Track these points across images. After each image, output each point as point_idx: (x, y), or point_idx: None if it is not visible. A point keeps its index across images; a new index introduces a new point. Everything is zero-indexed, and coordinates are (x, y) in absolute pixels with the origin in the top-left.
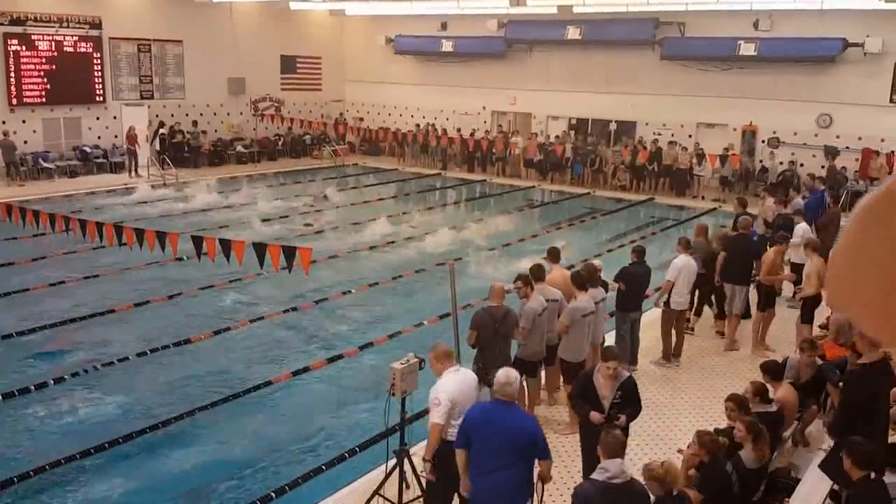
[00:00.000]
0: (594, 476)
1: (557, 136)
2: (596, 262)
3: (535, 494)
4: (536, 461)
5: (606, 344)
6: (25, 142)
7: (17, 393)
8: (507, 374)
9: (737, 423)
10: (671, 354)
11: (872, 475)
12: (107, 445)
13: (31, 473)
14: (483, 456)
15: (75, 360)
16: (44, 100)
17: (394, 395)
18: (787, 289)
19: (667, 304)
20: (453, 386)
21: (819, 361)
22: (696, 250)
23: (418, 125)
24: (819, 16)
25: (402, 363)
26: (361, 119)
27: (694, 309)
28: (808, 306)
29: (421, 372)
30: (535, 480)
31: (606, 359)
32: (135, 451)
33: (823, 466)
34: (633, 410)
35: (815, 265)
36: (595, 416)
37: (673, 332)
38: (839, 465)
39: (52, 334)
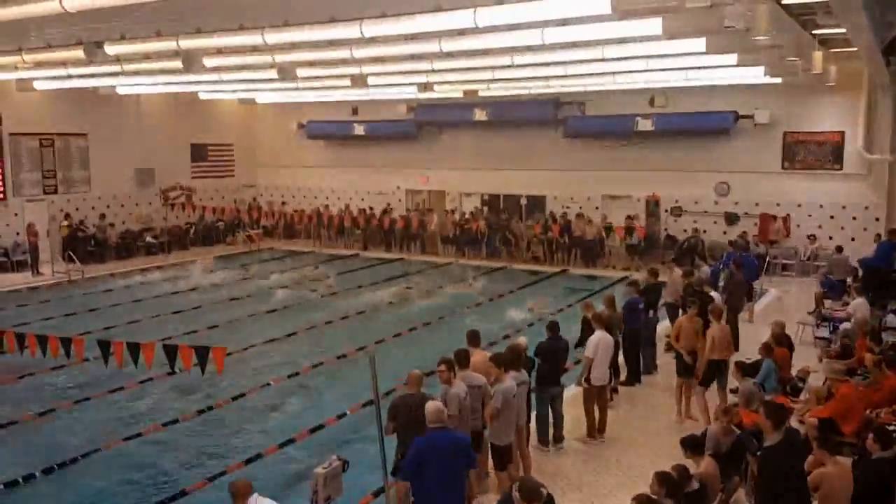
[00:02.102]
0: None
1: (472, 213)
2: (521, 339)
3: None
4: None
5: (527, 482)
6: None
7: None
8: (436, 405)
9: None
10: (596, 431)
11: None
12: None
13: None
14: (440, 476)
15: None
16: None
17: (317, 503)
18: None
19: (587, 380)
20: None
21: (736, 430)
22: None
23: (327, 206)
24: (710, 91)
25: (324, 467)
26: (284, 203)
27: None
28: (710, 370)
29: (345, 474)
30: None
31: (528, 499)
32: None
33: None
34: None
35: (714, 331)
36: None
37: (596, 408)
38: None
39: None
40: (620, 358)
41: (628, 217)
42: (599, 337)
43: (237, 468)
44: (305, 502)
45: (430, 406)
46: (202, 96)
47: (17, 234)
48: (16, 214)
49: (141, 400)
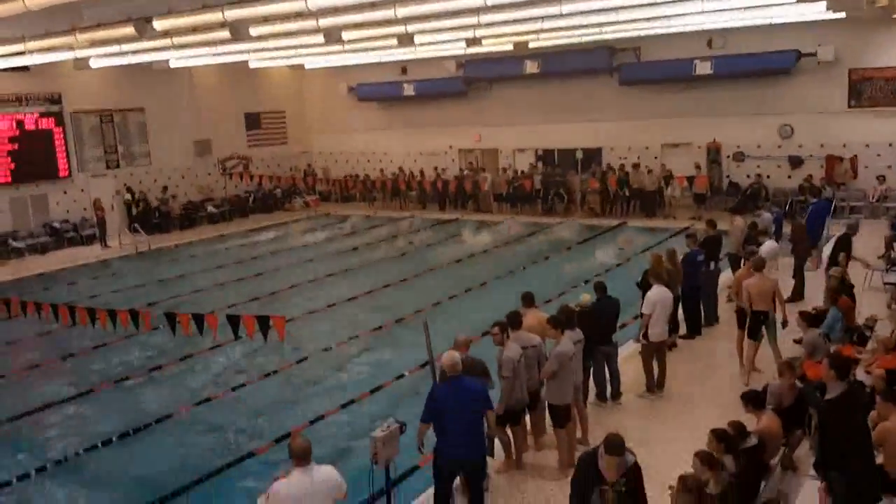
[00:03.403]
0: None
1: (524, 172)
2: (585, 296)
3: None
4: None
5: (614, 438)
6: None
7: None
8: (451, 356)
9: (693, 460)
10: (654, 386)
11: None
12: None
13: None
14: (457, 421)
15: (56, 446)
16: (9, 179)
17: (376, 464)
18: None
19: (645, 336)
20: (292, 490)
21: (799, 384)
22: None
23: (382, 170)
24: (770, 30)
25: (382, 431)
26: (333, 172)
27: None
28: (754, 323)
29: (402, 436)
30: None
31: (609, 452)
32: None
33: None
34: None
35: (751, 282)
36: None
37: (655, 363)
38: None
39: (31, 421)
40: (680, 312)
41: (697, 166)
42: (657, 293)
43: (302, 428)
44: (366, 461)
45: (446, 356)
46: (252, 65)
47: (84, 209)
48: (82, 190)
49: (210, 366)
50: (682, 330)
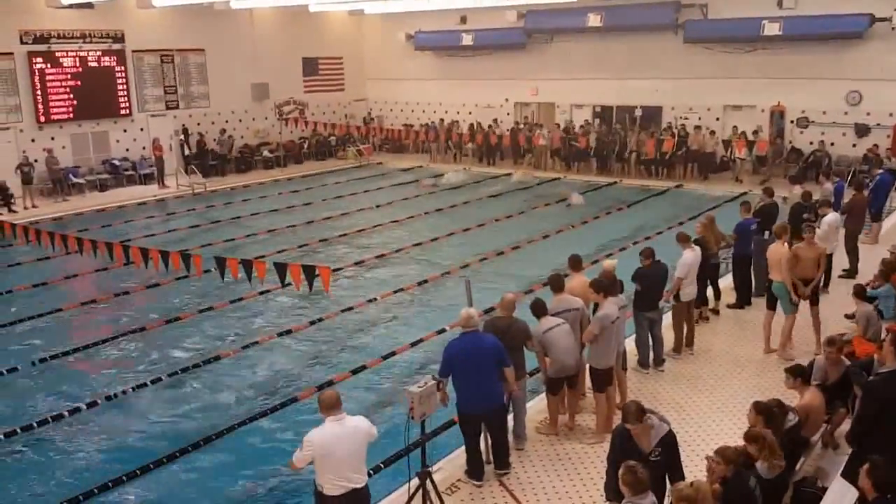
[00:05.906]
0: None
1: (582, 127)
2: (608, 262)
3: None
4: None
5: (630, 405)
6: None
7: (50, 420)
8: (467, 311)
9: (749, 446)
10: (683, 346)
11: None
12: (151, 466)
13: (81, 498)
14: (471, 373)
15: (107, 382)
16: (71, 116)
17: (413, 419)
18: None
19: (676, 297)
20: (326, 437)
21: (846, 361)
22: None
23: (440, 121)
24: None
25: (419, 386)
26: (378, 119)
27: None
28: (769, 293)
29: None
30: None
31: (626, 420)
32: (175, 471)
33: (846, 475)
34: (674, 476)
35: (770, 250)
36: None
37: (684, 323)
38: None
39: (84, 356)
40: (727, 281)
41: (758, 128)
42: (692, 257)
43: (344, 378)
44: (404, 413)
45: (463, 312)
46: (312, 9)
47: (144, 148)
48: (141, 129)
49: (258, 310)
50: (726, 300)
